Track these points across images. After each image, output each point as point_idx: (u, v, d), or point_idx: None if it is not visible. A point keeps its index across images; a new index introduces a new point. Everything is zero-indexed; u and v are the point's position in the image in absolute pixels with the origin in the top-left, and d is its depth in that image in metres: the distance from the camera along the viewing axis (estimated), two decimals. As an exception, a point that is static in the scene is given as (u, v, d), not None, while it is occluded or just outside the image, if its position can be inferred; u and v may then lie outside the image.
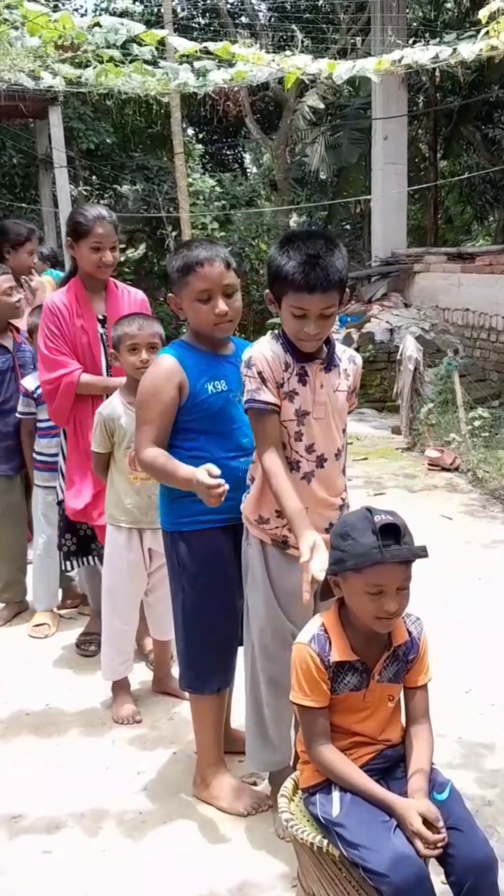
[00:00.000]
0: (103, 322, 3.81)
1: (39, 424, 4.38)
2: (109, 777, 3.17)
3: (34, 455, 4.41)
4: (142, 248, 14.89)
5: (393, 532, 2.06)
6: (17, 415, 4.44)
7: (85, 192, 15.49)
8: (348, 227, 18.02)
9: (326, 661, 2.18)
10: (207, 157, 18.98)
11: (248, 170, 21.55)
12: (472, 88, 14.65)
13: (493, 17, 5.86)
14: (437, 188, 15.22)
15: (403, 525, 2.09)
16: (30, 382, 4.38)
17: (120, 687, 3.63)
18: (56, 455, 4.24)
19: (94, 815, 2.95)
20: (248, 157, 22.03)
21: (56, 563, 4.24)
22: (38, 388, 4.29)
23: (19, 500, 4.62)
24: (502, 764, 3.16)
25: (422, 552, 2.07)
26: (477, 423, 7.43)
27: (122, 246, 14.26)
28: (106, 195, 16.91)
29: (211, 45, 6.53)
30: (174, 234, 14.38)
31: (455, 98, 15.13)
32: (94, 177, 16.06)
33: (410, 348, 7.89)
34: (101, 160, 15.44)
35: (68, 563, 4.07)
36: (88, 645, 4.15)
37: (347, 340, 10.43)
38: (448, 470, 7.18)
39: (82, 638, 4.21)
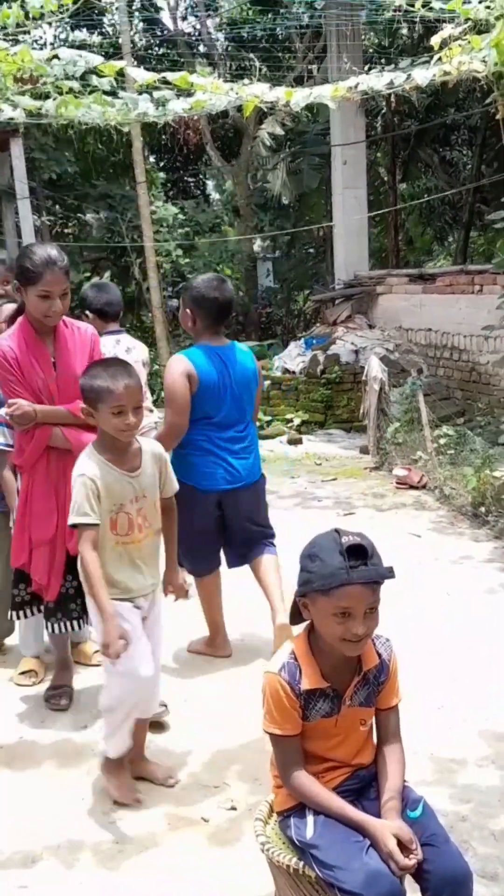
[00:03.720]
0: (54, 365, 3.64)
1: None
2: (84, 808, 3.15)
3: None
4: (106, 276, 14.93)
5: (360, 553, 2.08)
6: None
7: (48, 222, 15.52)
8: (311, 250, 18.17)
9: (297, 689, 2.18)
10: (170, 184, 19.10)
11: (210, 196, 21.71)
12: (429, 112, 14.89)
13: (444, 44, 6.00)
14: (397, 211, 15.42)
15: (371, 546, 2.11)
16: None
17: (120, 764, 3.21)
18: None
19: (71, 846, 2.93)
20: (210, 184, 22.20)
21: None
22: None
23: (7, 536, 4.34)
24: (475, 779, 3.19)
25: (388, 573, 2.09)
26: (442, 441, 7.51)
27: (87, 274, 14.33)
28: (70, 224, 16.95)
29: (169, 76, 6.60)
30: (139, 261, 14.44)
31: (412, 122, 15.37)
32: (56, 206, 16.11)
33: (375, 369, 7.97)
34: (63, 190, 15.50)
35: (20, 612, 3.89)
36: (59, 698, 3.87)
37: (314, 362, 10.52)
38: (416, 488, 7.24)
39: (51, 692, 3.92)
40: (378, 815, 2.15)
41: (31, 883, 2.76)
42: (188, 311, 4.10)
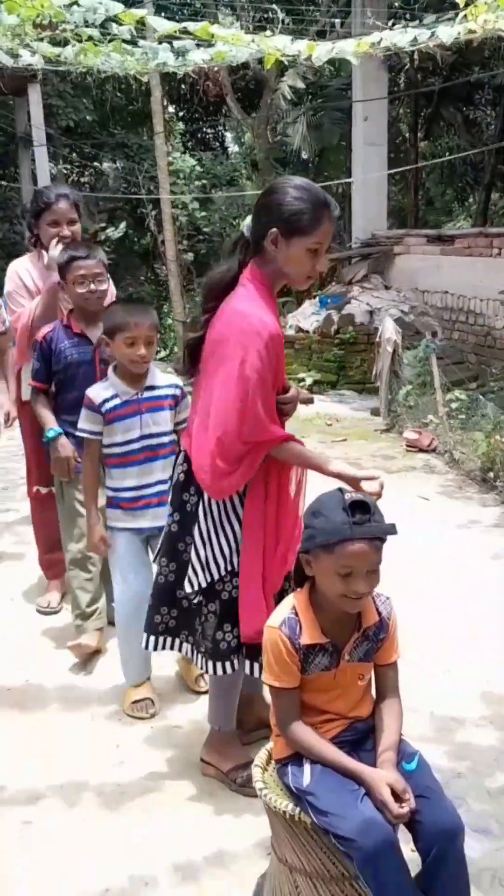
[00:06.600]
0: None
1: (110, 450, 3.40)
2: (88, 751, 3.23)
3: (108, 490, 3.48)
4: (122, 227, 14.82)
5: (363, 509, 2.11)
6: (78, 433, 3.45)
7: (64, 171, 15.40)
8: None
9: (297, 644, 2.22)
10: (188, 135, 18.86)
11: (228, 149, 21.44)
12: (454, 70, 14.65)
13: (470, 1, 5.89)
14: (417, 170, 15.23)
15: (373, 503, 2.14)
16: (97, 392, 3.38)
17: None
18: (140, 489, 3.40)
19: (74, 787, 3.01)
20: (229, 136, 21.90)
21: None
22: (106, 400, 3.35)
23: None
24: (473, 738, 3.25)
25: (391, 529, 2.12)
26: (454, 406, 7.50)
27: (103, 224, 14.23)
28: (86, 173, 16.82)
29: (190, 26, 6.51)
30: (154, 213, 14.33)
31: (436, 79, 15.13)
32: (73, 154, 15.97)
33: (389, 330, 7.94)
34: (81, 138, 15.35)
35: (161, 639, 3.03)
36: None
37: (328, 322, 10.48)
38: (426, 451, 7.26)
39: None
40: (374, 765, 2.20)
41: (34, 819, 2.85)
42: None
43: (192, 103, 19.16)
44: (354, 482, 2.64)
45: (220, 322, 2.72)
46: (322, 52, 6.91)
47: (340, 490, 2.18)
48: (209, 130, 20.97)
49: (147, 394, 3.38)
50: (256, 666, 2.81)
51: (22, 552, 5.05)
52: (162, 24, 6.18)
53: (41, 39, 6.68)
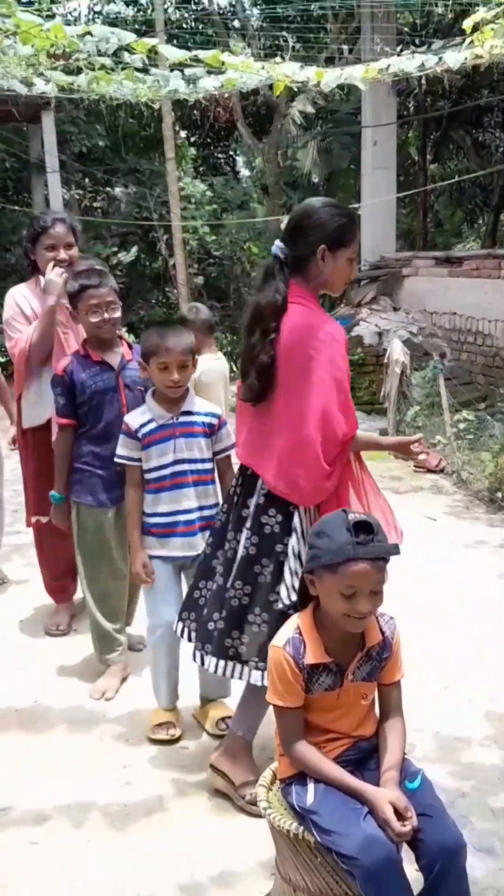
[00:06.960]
0: None
1: (146, 476, 3.40)
2: (95, 771, 3.25)
3: (143, 516, 3.43)
4: (134, 252, 14.94)
5: (366, 529, 2.14)
6: (116, 459, 3.45)
7: (77, 196, 15.56)
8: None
9: (301, 663, 2.25)
10: (200, 160, 19.04)
11: (239, 173, 21.62)
12: (463, 93, 14.77)
13: (476, 27, 5.98)
14: (426, 192, 15.33)
15: (377, 524, 2.18)
16: (134, 418, 3.41)
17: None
18: (172, 515, 3.38)
19: (80, 807, 3.02)
20: (240, 161, 22.10)
21: (177, 649, 3.46)
22: (143, 425, 3.37)
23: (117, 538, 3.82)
24: (477, 758, 3.25)
25: (394, 549, 2.16)
26: (462, 426, 7.53)
27: (115, 249, 14.35)
28: (98, 199, 16.97)
29: (201, 54, 6.62)
30: (165, 237, 14.45)
31: (445, 103, 15.26)
32: (86, 180, 16.13)
33: (397, 352, 7.98)
34: (93, 164, 15.50)
35: (231, 664, 2.97)
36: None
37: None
38: (434, 472, 7.27)
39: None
40: (377, 784, 2.22)
41: (41, 839, 2.87)
42: None
43: (204, 129, 19.34)
44: (406, 447, 3.15)
45: (288, 340, 2.84)
46: (330, 78, 7.01)
47: (344, 511, 2.22)
48: (220, 155, 21.16)
49: (183, 418, 3.38)
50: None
51: (30, 575, 5.07)
52: (173, 53, 6.29)
53: (55, 68, 6.80)
